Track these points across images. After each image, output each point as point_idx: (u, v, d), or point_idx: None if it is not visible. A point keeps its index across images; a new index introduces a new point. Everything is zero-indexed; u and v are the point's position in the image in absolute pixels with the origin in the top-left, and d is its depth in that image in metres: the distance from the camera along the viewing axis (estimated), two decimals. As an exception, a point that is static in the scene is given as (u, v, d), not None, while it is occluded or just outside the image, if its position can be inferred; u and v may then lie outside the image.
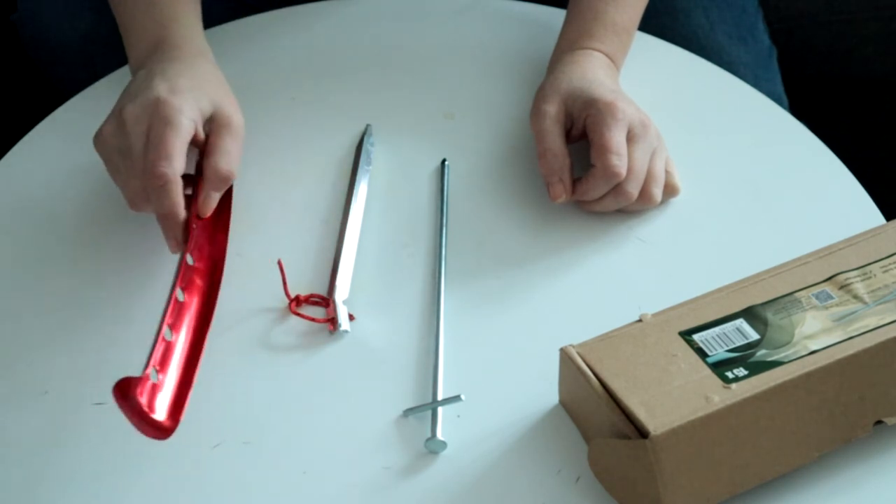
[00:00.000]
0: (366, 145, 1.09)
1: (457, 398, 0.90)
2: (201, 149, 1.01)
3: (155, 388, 0.85)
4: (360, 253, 1.02)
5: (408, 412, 0.91)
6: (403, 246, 1.03)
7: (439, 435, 0.88)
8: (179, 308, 0.92)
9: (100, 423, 0.90)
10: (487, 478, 0.87)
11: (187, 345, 0.91)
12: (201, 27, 1.10)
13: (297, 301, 0.97)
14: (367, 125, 1.11)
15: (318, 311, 0.97)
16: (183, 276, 0.94)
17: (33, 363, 0.95)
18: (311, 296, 0.98)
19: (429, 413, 0.90)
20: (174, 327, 0.90)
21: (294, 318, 0.97)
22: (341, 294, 0.98)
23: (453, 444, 0.89)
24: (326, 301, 0.97)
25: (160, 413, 0.86)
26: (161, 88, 0.98)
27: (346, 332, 0.96)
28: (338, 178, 1.08)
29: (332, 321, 0.96)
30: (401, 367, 0.94)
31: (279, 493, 0.87)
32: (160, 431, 0.86)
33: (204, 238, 0.99)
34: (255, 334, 0.96)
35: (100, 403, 0.92)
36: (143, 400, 0.84)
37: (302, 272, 1.00)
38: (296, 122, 1.13)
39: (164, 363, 0.88)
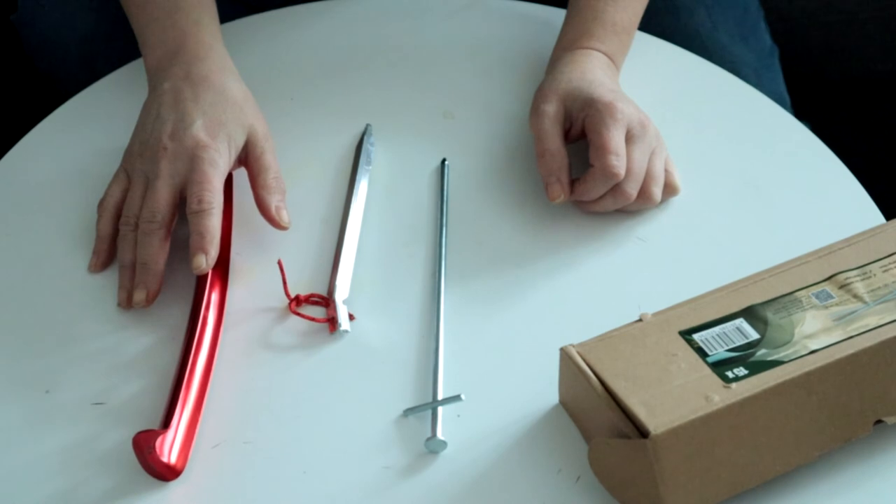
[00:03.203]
0: (366, 145, 1.09)
1: (457, 398, 0.90)
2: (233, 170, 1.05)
3: (168, 432, 0.87)
4: (360, 253, 1.02)
5: (408, 412, 0.91)
6: (403, 246, 1.03)
7: (439, 435, 0.88)
8: (197, 348, 0.93)
9: (100, 423, 0.90)
10: (487, 478, 0.87)
11: (198, 384, 0.91)
12: (220, 31, 1.10)
13: (297, 301, 0.97)
14: (367, 125, 1.11)
15: (318, 311, 0.97)
16: (203, 330, 0.94)
17: (34, 363, 0.95)
18: (311, 295, 0.98)
19: (429, 413, 0.90)
20: (191, 372, 0.91)
21: (294, 318, 0.97)
22: (341, 294, 0.98)
23: (453, 444, 0.89)
24: (326, 301, 0.97)
25: (172, 456, 0.86)
26: (198, 127, 1.00)
27: (346, 331, 0.96)
28: (338, 178, 1.08)
29: (332, 321, 0.96)
30: (401, 367, 0.94)
31: (279, 493, 0.87)
32: (170, 474, 0.87)
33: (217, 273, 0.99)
34: (255, 334, 0.96)
35: (100, 403, 0.92)
36: (160, 450, 0.85)
37: (302, 272, 1.00)
38: (296, 122, 1.13)
39: (182, 407, 0.89)
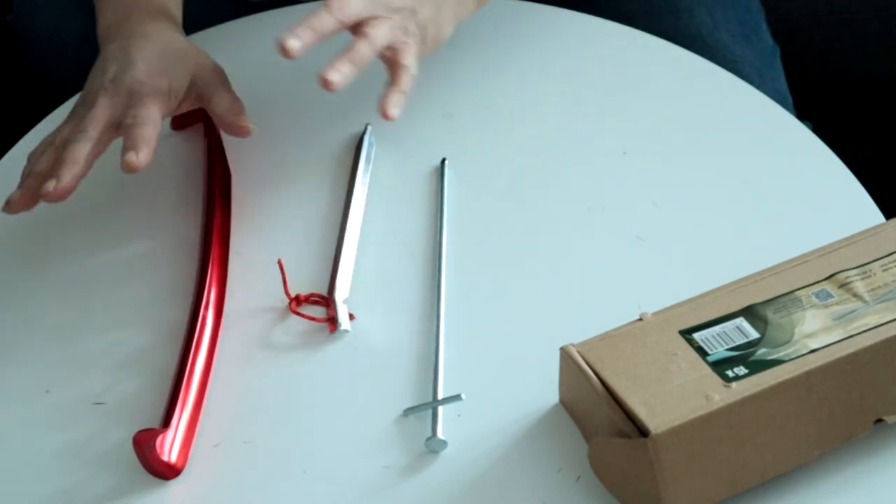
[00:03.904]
0: (366, 145, 1.09)
1: (457, 397, 0.90)
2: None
3: (169, 432, 0.87)
4: (360, 253, 1.02)
5: (408, 411, 0.91)
6: (403, 245, 1.03)
7: (440, 434, 0.88)
8: (196, 347, 0.93)
9: (100, 423, 0.90)
10: (488, 477, 0.87)
11: (198, 383, 0.91)
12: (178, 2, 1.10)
13: (297, 300, 0.97)
14: (367, 125, 1.11)
15: (318, 311, 0.97)
16: (203, 322, 0.95)
17: (33, 363, 0.95)
18: (311, 295, 0.98)
19: (429, 412, 0.90)
20: (191, 372, 0.91)
21: (294, 318, 0.97)
22: (341, 293, 0.98)
23: (454, 444, 0.89)
24: (326, 300, 0.97)
25: (172, 455, 0.86)
26: (139, 70, 1.00)
27: (346, 331, 0.96)
28: (338, 178, 1.08)
29: (333, 321, 0.96)
30: (401, 367, 0.94)
31: (279, 493, 0.87)
32: (171, 473, 0.87)
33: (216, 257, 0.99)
34: (255, 334, 0.96)
35: (100, 403, 0.92)
36: (160, 449, 0.85)
37: (302, 272, 1.00)
38: (296, 122, 1.13)
39: (182, 406, 0.89)
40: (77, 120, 0.99)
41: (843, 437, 0.85)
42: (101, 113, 0.98)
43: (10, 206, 0.96)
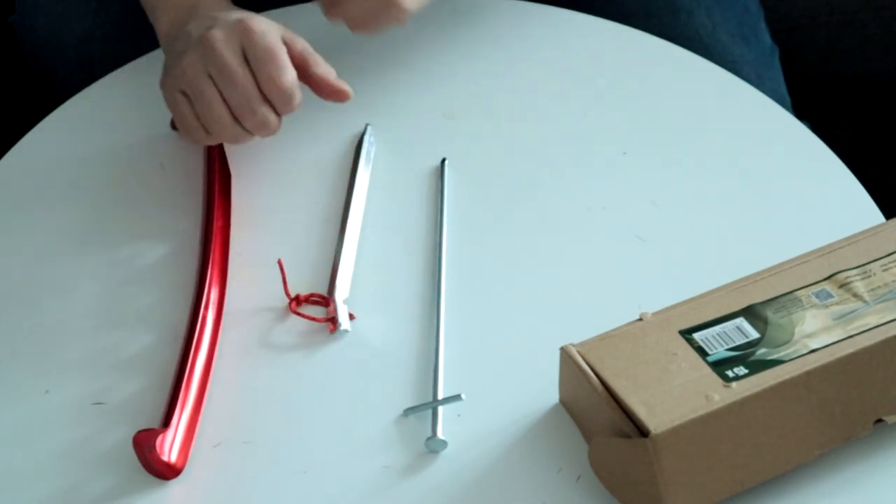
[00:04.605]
0: (366, 145, 1.09)
1: (457, 397, 0.90)
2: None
3: (169, 432, 0.87)
4: (360, 253, 1.02)
5: (408, 411, 0.91)
6: (403, 245, 1.03)
7: (440, 434, 0.88)
8: (196, 347, 0.93)
9: (100, 423, 0.90)
10: (488, 477, 0.87)
11: (198, 383, 0.91)
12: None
13: (297, 300, 0.97)
14: (367, 125, 1.11)
15: (318, 311, 0.97)
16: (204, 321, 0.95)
17: (34, 363, 0.95)
18: (312, 295, 0.98)
19: (429, 412, 0.90)
20: (191, 371, 0.91)
21: (294, 318, 0.97)
22: (341, 293, 0.98)
23: (454, 444, 0.89)
24: (326, 300, 0.97)
25: (172, 455, 0.86)
26: (235, 14, 0.99)
27: (346, 331, 0.96)
28: (338, 178, 1.08)
29: (333, 321, 0.96)
30: (401, 367, 0.94)
31: (279, 492, 0.87)
32: (171, 472, 0.87)
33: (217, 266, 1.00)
34: (255, 334, 0.96)
35: (99, 403, 0.92)
36: (160, 449, 0.85)
37: (302, 272, 1.00)
38: (296, 122, 1.12)
39: (182, 405, 0.89)
40: (208, 79, 0.98)
41: (843, 437, 0.85)
42: (242, 69, 0.97)
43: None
